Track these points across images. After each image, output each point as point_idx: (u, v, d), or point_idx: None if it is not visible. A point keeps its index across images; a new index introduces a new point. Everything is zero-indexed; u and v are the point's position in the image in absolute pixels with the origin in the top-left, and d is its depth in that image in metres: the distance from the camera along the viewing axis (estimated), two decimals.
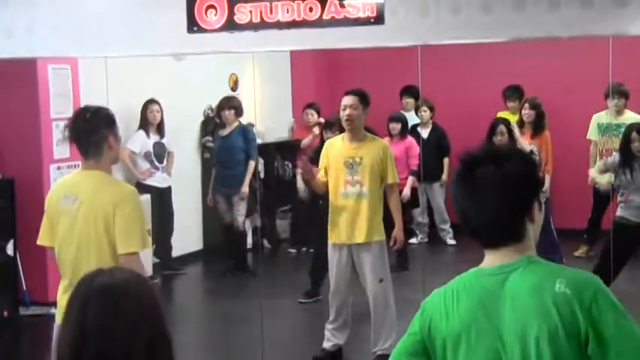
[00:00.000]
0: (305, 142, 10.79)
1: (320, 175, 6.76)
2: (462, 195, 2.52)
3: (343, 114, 6.59)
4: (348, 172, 6.53)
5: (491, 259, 2.52)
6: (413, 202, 10.18)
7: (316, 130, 10.36)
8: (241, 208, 9.78)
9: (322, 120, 10.40)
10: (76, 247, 4.45)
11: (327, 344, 6.84)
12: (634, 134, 7.39)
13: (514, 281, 2.46)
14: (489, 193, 2.46)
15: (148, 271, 9.10)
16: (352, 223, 6.53)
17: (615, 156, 7.70)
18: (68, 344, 2.09)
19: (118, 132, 4.58)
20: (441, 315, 2.52)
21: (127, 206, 4.36)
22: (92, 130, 4.44)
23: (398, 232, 6.75)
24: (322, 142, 8.60)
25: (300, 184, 7.77)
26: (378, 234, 6.57)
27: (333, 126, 8.46)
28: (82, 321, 2.09)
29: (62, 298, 4.51)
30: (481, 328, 2.47)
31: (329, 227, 6.70)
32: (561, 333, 2.36)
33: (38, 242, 4.67)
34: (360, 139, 6.59)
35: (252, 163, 9.71)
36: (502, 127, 7.86)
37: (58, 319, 4.63)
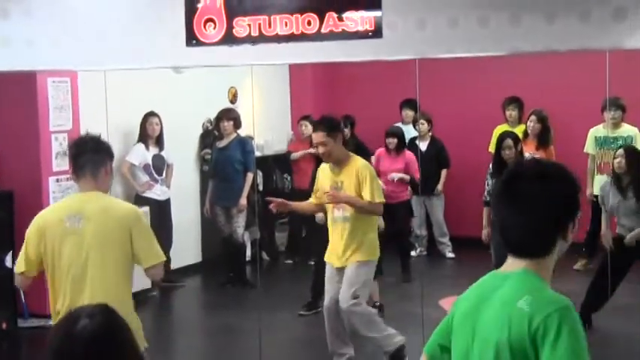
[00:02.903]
0: (295, 155, 10.86)
1: (312, 199, 6.92)
2: (503, 205, 2.58)
3: (318, 151, 6.74)
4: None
5: (507, 265, 2.60)
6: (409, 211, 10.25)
7: (310, 150, 10.37)
8: (240, 220, 9.79)
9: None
10: (82, 266, 4.55)
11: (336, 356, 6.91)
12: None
13: (502, 290, 2.52)
14: (530, 207, 2.51)
15: (147, 283, 9.13)
16: (341, 248, 6.66)
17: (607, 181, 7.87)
18: None
19: (112, 165, 4.79)
20: (457, 305, 2.69)
21: (141, 224, 4.64)
22: (95, 150, 4.66)
23: (343, 196, 6.58)
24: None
25: (318, 216, 7.90)
26: (364, 254, 6.65)
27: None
28: None
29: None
30: (465, 325, 2.59)
31: (328, 248, 6.87)
32: (507, 348, 2.40)
33: (16, 271, 4.75)
34: (340, 165, 6.67)
35: (250, 175, 9.73)
36: (509, 141, 7.86)
37: None
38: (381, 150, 10.01)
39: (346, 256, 6.64)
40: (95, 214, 4.56)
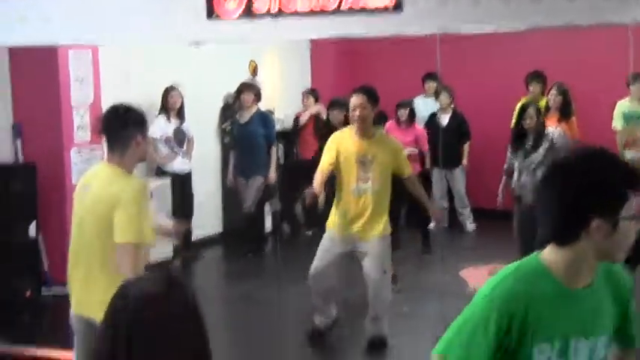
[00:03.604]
0: (303, 119, 10.91)
1: (319, 170, 6.80)
2: (541, 191, 2.56)
3: (354, 114, 6.64)
4: (361, 169, 6.61)
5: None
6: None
7: (315, 108, 10.45)
8: (258, 193, 9.86)
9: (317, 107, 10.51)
10: (79, 235, 4.60)
11: (316, 320, 7.00)
12: None
13: None
14: (554, 194, 2.50)
15: (168, 254, 9.20)
16: (360, 219, 6.65)
17: None
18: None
19: (147, 132, 4.71)
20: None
21: (130, 199, 4.40)
22: (121, 126, 4.57)
23: (433, 210, 7.46)
24: (328, 120, 8.66)
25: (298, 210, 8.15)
26: (384, 229, 6.70)
27: (336, 105, 8.52)
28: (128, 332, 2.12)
29: (76, 287, 4.69)
30: None
31: (332, 216, 6.81)
32: None
33: None
34: (370, 137, 6.68)
35: (274, 149, 9.81)
36: (530, 111, 7.84)
37: (72, 306, 4.71)
38: (390, 122, 10.04)
39: (368, 227, 6.65)
40: (98, 186, 4.55)
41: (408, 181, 6.86)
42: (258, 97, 9.87)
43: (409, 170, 6.85)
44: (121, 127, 4.57)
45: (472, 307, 2.51)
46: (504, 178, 8.03)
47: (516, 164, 7.78)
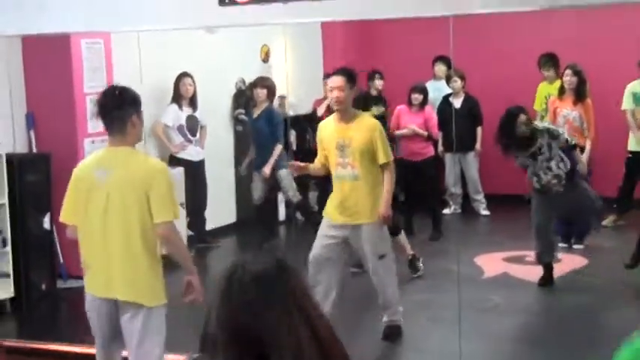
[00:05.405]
0: (320, 111, 10.82)
1: (317, 160, 6.73)
2: None
3: (331, 96, 6.52)
4: (339, 154, 6.45)
5: None
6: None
7: (329, 100, 10.28)
8: (265, 185, 9.79)
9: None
10: (105, 219, 4.64)
11: None
12: None
13: None
14: None
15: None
16: (346, 205, 6.49)
17: None
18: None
19: (141, 113, 4.80)
20: None
21: (162, 179, 4.64)
22: (118, 106, 4.68)
23: (383, 207, 6.48)
24: None
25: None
26: (372, 215, 6.46)
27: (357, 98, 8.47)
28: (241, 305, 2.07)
29: (93, 271, 4.76)
30: None
31: (327, 202, 6.71)
32: None
33: (61, 219, 4.87)
34: (348, 119, 6.48)
35: (278, 147, 9.65)
36: (524, 118, 7.71)
37: (94, 291, 4.74)
38: (402, 106, 10.04)
39: (356, 215, 6.48)
40: (119, 167, 4.66)
41: (383, 167, 6.47)
42: (271, 92, 9.76)
43: (385, 157, 6.43)
44: (116, 107, 4.68)
45: None
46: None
47: (529, 169, 7.73)
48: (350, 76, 6.52)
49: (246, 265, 2.13)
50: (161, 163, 4.99)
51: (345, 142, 6.42)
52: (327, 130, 6.62)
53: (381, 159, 6.42)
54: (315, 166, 6.78)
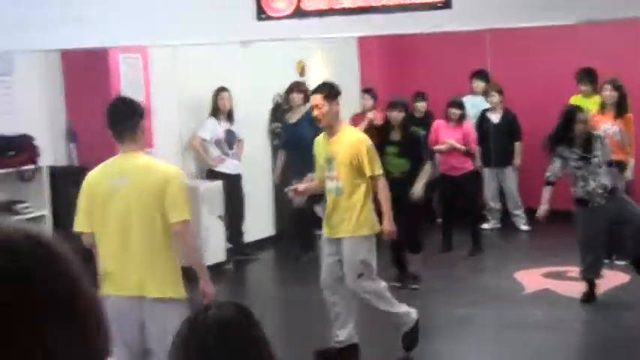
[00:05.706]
0: (359, 128, 10.77)
1: (314, 176, 6.86)
2: None
3: (313, 113, 6.62)
4: (327, 168, 6.54)
5: None
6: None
7: (370, 115, 10.25)
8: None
9: (371, 115, 10.29)
10: (126, 223, 4.78)
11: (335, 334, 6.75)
12: None
13: None
14: None
15: (222, 256, 9.23)
16: (331, 219, 6.53)
17: None
18: None
19: (143, 121, 5.02)
20: None
21: (177, 182, 4.83)
22: (129, 115, 4.92)
23: (386, 224, 6.55)
24: (387, 121, 8.62)
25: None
26: (359, 229, 6.45)
27: (397, 106, 8.45)
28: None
29: (119, 274, 4.84)
30: None
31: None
32: None
33: (76, 229, 4.98)
34: (332, 134, 6.54)
35: None
36: (584, 116, 7.70)
37: (123, 291, 4.78)
38: (440, 121, 9.99)
39: (340, 229, 6.48)
40: (136, 173, 4.83)
41: (372, 180, 6.46)
42: (307, 96, 9.84)
43: (372, 169, 6.42)
44: (128, 116, 4.91)
45: None
46: (549, 188, 7.88)
47: (577, 173, 7.63)
48: (328, 91, 6.57)
49: (209, 313, 2.21)
50: (175, 167, 5.18)
51: (331, 156, 6.51)
52: (319, 145, 6.73)
53: (367, 172, 6.43)
54: (315, 184, 6.89)
